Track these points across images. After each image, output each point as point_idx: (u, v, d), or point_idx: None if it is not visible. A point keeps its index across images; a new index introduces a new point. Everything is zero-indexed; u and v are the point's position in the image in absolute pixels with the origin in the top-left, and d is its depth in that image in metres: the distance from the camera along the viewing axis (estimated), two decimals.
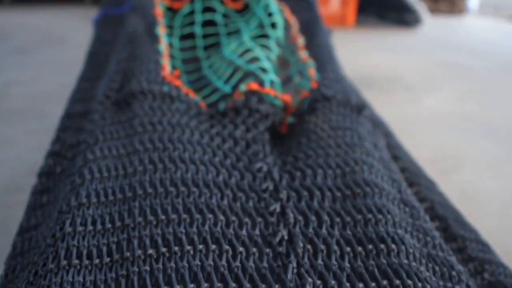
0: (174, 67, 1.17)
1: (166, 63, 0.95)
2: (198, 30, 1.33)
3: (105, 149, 0.67)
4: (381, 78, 2.03)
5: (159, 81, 0.85)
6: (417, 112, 1.61)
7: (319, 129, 0.75)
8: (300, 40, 1.15)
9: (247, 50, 1.07)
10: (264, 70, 0.98)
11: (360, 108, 0.85)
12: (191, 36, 1.36)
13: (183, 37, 1.37)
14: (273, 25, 1.26)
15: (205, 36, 1.36)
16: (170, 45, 1.28)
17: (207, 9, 1.41)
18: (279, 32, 1.20)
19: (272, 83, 0.91)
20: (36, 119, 1.43)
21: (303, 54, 1.07)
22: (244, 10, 1.45)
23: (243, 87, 0.85)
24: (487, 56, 2.71)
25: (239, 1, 1.47)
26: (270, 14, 1.28)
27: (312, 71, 0.96)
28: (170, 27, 1.39)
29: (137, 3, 1.31)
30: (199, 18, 1.37)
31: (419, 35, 3.40)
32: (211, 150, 0.69)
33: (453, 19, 4.54)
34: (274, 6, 1.33)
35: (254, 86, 0.86)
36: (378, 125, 1.01)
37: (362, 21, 3.77)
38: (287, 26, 1.27)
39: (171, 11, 1.43)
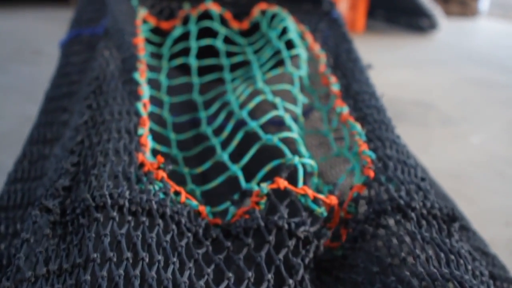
0: (160, 122, 0.86)
1: (146, 133, 0.63)
2: (193, 61, 1.02)
3: None
4: (409, 103, 1.72)
5: (131, 176, 0.54)
6: (465, 157, 1.31)
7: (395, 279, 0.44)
8: (334, 84, 0.83)
9: (265, 105, 0.77)
10: (292, 143, 0.67)
11: (452, 219, 0.54)
12: (185, 68, 1.05)
13: (174, 69, 1.06)
14: (292, 57, 0.95)
15: (202, 70, 1.04)
16: (156, 83, 0.96)
17: (205, 32, 1.09)
18: (302, 71, 0.89)
19: (305, 171, 0.60)
20: None
21: (342, 109, 0.75)
22: (253, 32, 1.14)
23: (265, 187, 0.54)
24: None
25: (246, 20, 1.15)
26: (289, 44, 0.97)
27: (363, 145, 0.65)
28: (156, 56, 1.07)
29: (112, 25, 0.99)
30: (194, 44, 1.05)
31: (435, 42, 3.10)
32: None
33: (465, 22, 4.23)
34: (293, 31, 1.01)
35: (282, 183, 0.55)
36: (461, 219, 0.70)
37: (371, 26, 3.46)
38: (311, 60, 0.96)
39: (159, 33, 1.11)
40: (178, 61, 1.01)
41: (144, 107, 0.69)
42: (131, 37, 0.93)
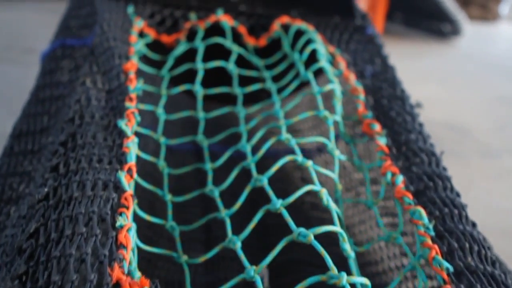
0: (154, 177, 0.67)
1: (127, 225, 0.44)
2: (199, 89, 0.82)
3: None
4: (439, 126, 1.52)
5: None
6: None
7: None
8: (380, 136, 0.64)
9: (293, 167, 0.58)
10: (333, 238, 0.48)
11: None
12: (187, 92, 0.86)
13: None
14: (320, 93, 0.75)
15: (209, 99, 0.85)
16: (152, 118, 0.78)
17: (214, 48, 0.90)
18: (338, 116, 0.69)
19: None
20: None
21: (395, 178, 0.56)
22: (271, 50, 0.94)
23: None
24: None
25: (264, 36, 0.96)
26: (318, 70, 0.78)
27: (433, 249, 0.46)
28: (155, 78, 0.88)
29: (100, 41, 0.80)
30: (201, 65, 0.85)
31: (459, 50, 2.90)
32: None
33: (487, 27, 4.02)
34: (323, 56, 0.82)
35: None
36: None
37: (388, 29, 3.25)
38: (345, 94, 0.77)
39: (159, 49, 0.92)
40: (181, 88, 0.82)
41: (129, 176, 0.50)
42: (122, 60, 0.74)
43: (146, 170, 0.74)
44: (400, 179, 0.56)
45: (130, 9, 0.92)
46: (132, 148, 0.53)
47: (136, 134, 0.61)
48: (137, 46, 0.81)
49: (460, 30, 3.06)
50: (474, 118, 1.64)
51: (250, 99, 0.87)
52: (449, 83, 2.09)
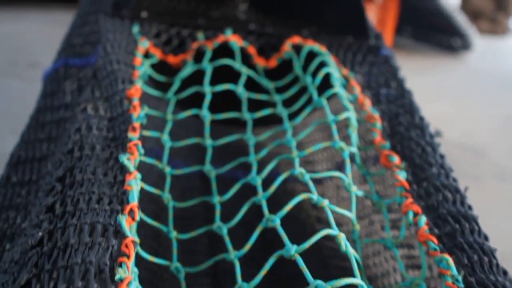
0: (158, 209, 0.63)
1: (128, 278, 0.40)
2: (206, 114, 0.78)
3: None
4: (453, 146, 1.48)
5: None
6: None
7: None
8: (399, 171, 0.60)
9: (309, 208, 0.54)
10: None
11: None
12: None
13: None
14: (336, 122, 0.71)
15: (217, 121, 0.82)
16: (157, 141, 0.74)
17: (222, 70, 0.86)
18: (354, 147, 0.65)
19: None
20: None
21: (417, 219, 0.52)
22: (281, 72, 0.91)
23: None
24: None
25: (274, 57, 0.92)
26: (337, 101, 0.74)
27: None
28: (160, 101, 0.84)
29: (103, 64, 0.76)
30: (208, 88, 0.81)
31: (469, 65, 2.86)
32: None
33: (497, 41, 3.98)
34: (337, 80, 0.78)
35: None
36: None
37: (398, 44, 3.21)
38: (361, 123, 0.73)
39: (165, 70, 0.88)
40: (187, 113, 0.78)
41: (130, 218, 0.46)
42: (125, 85, 0.70)
43: (149, 196, 0.71)
44: (424, 220, 0.51)
45: (135, 29, 0.89)
46: (134, 186, 0.49)
47: (140, 161, 0.58)
48: (142, 68, 0.77)
49: (470, 45, 3.01)
50: (488, 138, 1.59)
51: (260, 122, 0.83)
52: (460, 99, 2.04)
